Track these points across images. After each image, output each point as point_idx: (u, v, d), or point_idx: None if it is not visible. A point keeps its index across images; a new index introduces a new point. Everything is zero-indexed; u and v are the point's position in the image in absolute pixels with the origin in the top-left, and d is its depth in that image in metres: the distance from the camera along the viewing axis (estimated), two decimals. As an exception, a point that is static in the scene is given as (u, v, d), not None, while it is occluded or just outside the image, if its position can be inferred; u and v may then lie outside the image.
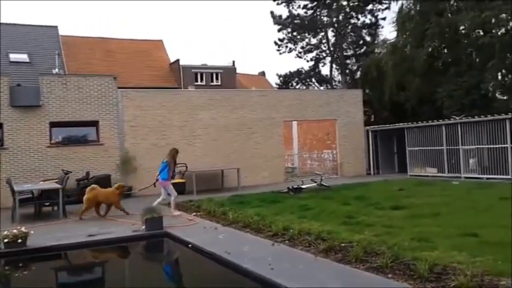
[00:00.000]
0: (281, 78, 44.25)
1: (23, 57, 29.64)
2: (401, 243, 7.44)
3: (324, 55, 41.72)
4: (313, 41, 41.22)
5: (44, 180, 15.32)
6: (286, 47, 41.64)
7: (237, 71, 44.91)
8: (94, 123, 17.11)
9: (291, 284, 5.76)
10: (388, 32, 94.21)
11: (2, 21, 30.28)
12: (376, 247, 7.13)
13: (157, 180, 12.55)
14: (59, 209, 12.56)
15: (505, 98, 26.69)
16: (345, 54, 39.71)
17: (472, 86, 23.17)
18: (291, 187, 16.06)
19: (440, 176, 19.36)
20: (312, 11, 39.44)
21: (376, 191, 15.52)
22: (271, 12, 40.43)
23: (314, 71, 42.52)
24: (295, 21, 39.98)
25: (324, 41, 40.86)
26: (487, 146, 18.03)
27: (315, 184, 16.61)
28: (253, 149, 20.00)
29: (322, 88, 41.95)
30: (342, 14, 38.49)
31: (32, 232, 8.89)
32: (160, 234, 9.84)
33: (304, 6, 39.21)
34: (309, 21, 39.56)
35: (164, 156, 12.84)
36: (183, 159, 15.84)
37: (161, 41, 42.69)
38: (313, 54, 41.78)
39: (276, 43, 41.72)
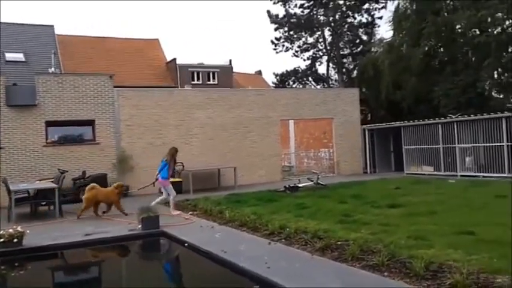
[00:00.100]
0: (278, 77, 44.27)
1: (19, 56, 29.59)
2: (397, 241, 7.45)
3: (321, 54, 41.76)
4: (310, 40, 41.27)
5: (40, 180, 15.27)
6: (283, 46, 41.65)
7: (234, 70, 44.91)
8: (90, 123, 17.06)
9: (287, 282, 5.76)
10: (384, 31, 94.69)
11: (-2, 21, 30.16)
12: (372, 245, 7.14)
13: (156, 179, 12.54)
14: (55, 209, 12.52)
15: (501, 96, 26.78)
16: (341, 53, 39.76)
17: (468, 85, 23.22)
18: (287, 186, 16.07)
19: (437, 174, 19.41)
20: (308, 10, 39.45)
21: (373, 189, 15.54)
22: (268, 12, 40.46)
23: (311, 70, 42.55)
24: (292, 20, 39.98)
25: (320, 40, 40.89)
26: (483, 145, 18.08)
27: (312, 183, 16.62)
28: (249, 147, 20.00)
29: (318, 87, 41.98)
30: (339, 13, 38.51)
31: (27, 231, 8.87)
32: (156, 234, 9.82)
33: (301, 5, 39.25)
34: (306, 20, 39.56)
35: (160, 155, 12.82)
36: (180, 158, 15.79)
37: (158, 40, 42.68)
38: (310, 53, 41.83)
39: (272, 42, 41.74)
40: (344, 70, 39.75)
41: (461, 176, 18.42)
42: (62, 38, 33.66)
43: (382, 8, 37.51)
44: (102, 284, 7.97)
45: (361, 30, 39.55)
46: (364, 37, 39.64)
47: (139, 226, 9.88)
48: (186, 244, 8.64)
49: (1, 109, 15.82)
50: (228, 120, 19.69)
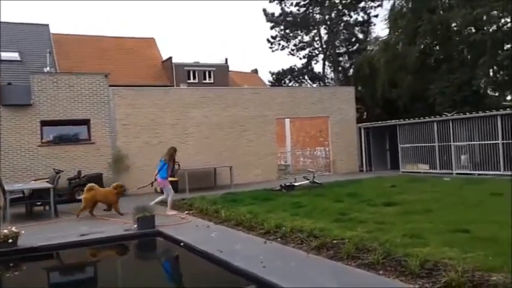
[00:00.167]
0: (274, 76, 44.27)
1: (14, 55, 29.39)
2: (393, 239, 7.44)
3: (317, 52, 41.82)
4: (306, 38, 41.33)
5: (35, 180, 15.23)
6: (279, 44, 41.69)
7: (230, 69, 44.85)
8: (85, 122, 17.02)
9: (283, 281, 5.75)
10: (380, 29, 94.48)
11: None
12: (368, 244, 7.13)
13: (155, 179, 12.53)
14: (50, 209, 12.48)
15: (496, 94, 26.91)
16: (337, 51, 39.80)
17: (464, 83, 23.28)
18: (283, 184, 16.06)
19: (432, 172, 19.45)
20: (304, 9, 39.49)
21: (369, 187, 15.55)
22: (264, 10, 40.50)
23: (307, 68, 42.59)
24: (288, 19, 40.00)
25: (316, 38, 40.94)
26: (478, 142, 18.12)
27: (308, 181, 16.62)
28: (245, 146, 19.99)
29: (315, 85, 41.99)
30: (335, 12, 38.54)
31: (22, 232, 8.82)
32: (152, 233, 9.79)
33: (297, 4, 39.25)
34: (302, 19, 39.58)
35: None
36: (176, 158, 15.76)
37: (153, 39, 42.61)
38: (306, 51, 41.90)
39: (268, 41, 41.75)
40: (340, 68, 39.78)
41: (457, 174, 18.46)
42: (57, 37, 33.49)
43: (378, 6, 37.74)
44: (97, 284, 7.95)
45: (357, 28, 39.63)
46: (360, 35, 39.72)
47: (135, 226, 9.85)
48: (181, 244, 8.62)
49: (-4, 109, 15.77)
50: (224, 119, 19.67)
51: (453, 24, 25.23)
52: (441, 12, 25.80)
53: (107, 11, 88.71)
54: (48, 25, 33.34)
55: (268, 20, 40.72)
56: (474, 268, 5.68)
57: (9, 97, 16.04)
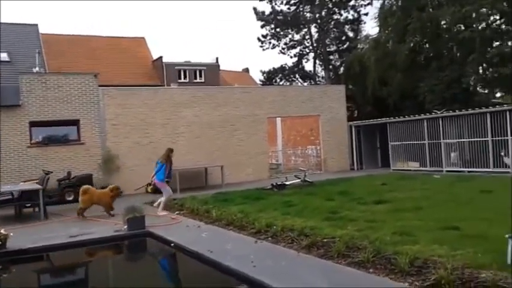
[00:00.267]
0: (265, 75, 44.20)
1: (3, 56, 29.16)
2: (383, 237, 7.45)
3: (307, 51, 41.76)
4: (297, 37, 41.23)
5: (25, 181, 15.12)
6: (270, 43, 41.58)
7: (221, 68, 44.78)
8: (75, 122, 16.89)
9: (273, 281, 5.74)
10: (370, 27, 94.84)
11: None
12: (358, 242, 7.14)
13: (152, 181, 12.54)
14: (40, 210, 12.38)
15: (485, 91, 27.02)
16: (328, 50, 39.80)
17: (453, 80, 23.37)
18: (274, 183, 16.06)
19: (423, 170, 19.53)
20: (294, 7, 39.41)
21: (360, 185, 15.58)
22: (254, 9, 40.33)
23: (297, 67, 42.54)
24: (278, 18, 39.91)
25: (307, 37, 40.88)
26: (468, 140, 18.21)
27: (299, 180, 16.64)
28: (236, 146, 19.96)
29: (305, 84, 42.00)
30: (325, 10, 38.52)
31: (11, 234, 8.76)
32: (142, 234, 9.76)
33: (287, 2, 39.17)
34: (292, 17, 39.52)
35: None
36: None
37: (144, 38, 42.43)
38: (297, 50, 41.81)
39: (259, 39, 41.65)
40: (331, 67, 39.80)
41: (447, 171, 18.55)
42: (46, 37, 33.26)
43: (368, 4, 37.60)
44: (87, 286, 7.91)
45: (347, 26, 39.61)
46: (351, 34, 39.73)
47: (125, 227, 9.80)
48: (172, 244, 8.59)
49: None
50: (214, 118, 19.63)
51: (442, 22, 25.31)
52: (430, 10, 25.88)
53: (96, 10, 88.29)
54: (37, 25, 33.13)
55: (259, 19, 40.62)
56: (463, 265, 5.70)
57: (-2, 98, 15.89)
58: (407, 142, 20.66)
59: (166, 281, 7.89)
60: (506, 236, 5.90)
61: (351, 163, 23.11)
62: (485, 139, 17.39)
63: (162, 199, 12.53)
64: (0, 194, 12.39)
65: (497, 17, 23.91)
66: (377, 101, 27.84)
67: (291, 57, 42.26)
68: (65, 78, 16.93)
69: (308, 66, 42.85)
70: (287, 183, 16.19)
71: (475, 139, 17.81)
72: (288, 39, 41.34)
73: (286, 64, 43.01)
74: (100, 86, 17.63)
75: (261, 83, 44.76)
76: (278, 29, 40.80)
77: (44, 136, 16.58)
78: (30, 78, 16.74)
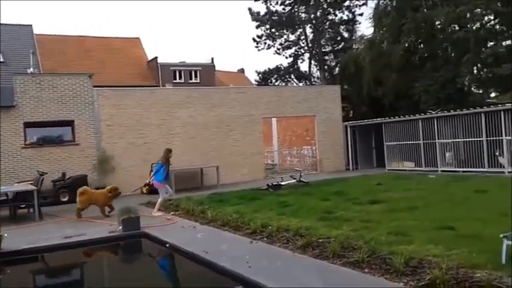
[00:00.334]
0: (260, 75, 44.22)
1: (-3, 56, 29.05)
2: (378, 237, 7.47)
3: (303, 51, 41.84)
4: (292, 37, 41.32)
5: (19, 182, 15.05)
6: (265, 43, 41.65)
7: (216, 69, 44.70)
8: (69, 123, 16.80)
9: (269, 281, 5.74)
10: (365, 27, 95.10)
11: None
12: (353, 242, 7.15)
13: (150, 182, 12.52)
14: (35, 211, 12.33)
15: (480, 91, 27.14)
16: (323, 50, 39.86)
17: (448, 81, 23.45)
18: (270, 184, 16.06)
19: (418, 169, 19.57)
20: (290, 8, 39.47)
21: (355, 186, 15.61)
22: (250, 9, 40.38)
23: (293, 67, 42.61)
24: (273, 18, 39.95)
25: (302, 37, 40.96)
26: (462, 140, 18.27)
27: (294, 180, 16.64)
28: (232, 146, 19.95)
29: (301, 84, 42.03)
30: (320, 10, 38.59)
31: (6, 235, 8.73)
32: (137, 235, 9.73)
33: (282, 3, 39.22)
34: (287, 18, 39.57)
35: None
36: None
37: (139, 38, 42.34)
38: (292, 50, 41.90)
39: (254, 40, 41.67)
40: (326, 67, 39.86)
41: (442, 171, 18.60)
42: (40, 37, 33.16)
43: (363, 5, 37.72)
44: (83, 287, 7.89)
45: (342, 27, 39.71)
46: (345, 34, 39.82)
47: (120, 228, 9.77)
48: (167, 245, 8.58)
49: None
50: (209, 118, 19.60)
51: (437, 22, 25.40)
52: (425, 10, 25.98)
53: (91, 11, 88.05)
54: (31, 25, 33.02)
55: (254, 19, 40.65)
56: (458, 265, 5.72)
57: (-8, 99, 15.81)
58: (402, 142, 20.71)
59: (161, 282, 7.85)
60: (501, 235, 5.92)
61: (347, 163, 23.14)
62: (480, 139, 17.45)
63: (166, 196, 12.55)
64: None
65: (492, 17, 24.03)
66: (372, 101, 27.90)
67: (286, 57, 42.37)
68: (59, 79, 16.85)
69: (303, 66, 43.07)
70: (282, 183, 16.19)
71: (470, 139, 17.87)
72: (283, 39, 41.43)
73: (281, 64, 43.13)
74: (95, 86, 17.57)
75: (256, 83, 44.76)
76: (273, 30, 40.87)
77: (39, 137, 16.50)
78: (24, 78, 16.66)
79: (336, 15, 39.05)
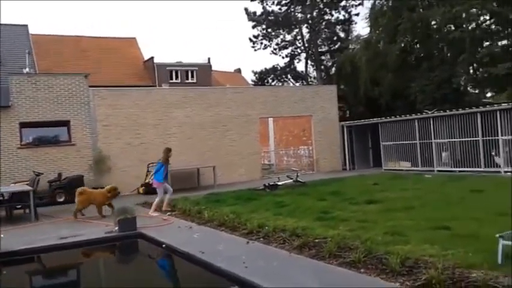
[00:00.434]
0: (257, 75, 44.18)
1: (-7, 56, 28.93)
2: (374, 237, 7.49)
3: (299, 51, 41.80)
4: (288, 37, 41.27)
5: (15, 183, 15.00)
6: (261, 43, 41.58)
7: (213, 69, 44.72)
8: (65, 123, 16.76)
9: (265, 281, 5.74)
10: (361, 27, 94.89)
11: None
12: (349, 242, 7.16)
13: (149, 182, 12.50)
14: (31, 212, 12.30)
15: (476, 91, 27.19)
16: (319, 50, 39.85)
17: (444, 80, 23.49)
18: (267, 184, 16.06)
19: (414, 169, 19.61)
20: (286, 8, 39.44)
21: (351, 186, 15.63)
22: (246, 9, 40.31)
23: (289, 67, 42.58)
24: (270, 18, 39.91)
25: (298, 37, 40.93)
26: (459, 140, 18.31)
27: (291, 180, 16.64)
28: (228, 146, 19.94)
29: (297, 84, 42.05)
30: (316, 10, 38.58)
31: (2, 236, 8.70)
32: (134, 235, 9.71)
33: (278, 3, 39.18)
34: (283, 18, 39.54)
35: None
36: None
37: (135, 38, 42.29)
38: (288, 50, 41.84)
39: (251, 40, 41.64)
40: (322, 67, 39.85)
41: (438, 171, 18.64)
42: (36, 37, 33.03)
43: (359, 5, 37.70)
44: (78, 287, 7.86)
45: (338, 27, 39.69)
46: (342, 34, 39.80)
47: (116, 228, 9.75)
48: (163, 245, 8.56)
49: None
50: (206, 118, 19.59)
51: (433, 22, 25.45)
52: (421, 10, 26.00)
53: (88, 11, 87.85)
54: (27, 25, 32.89)
55: (250, 19, 40.59)
56: (454, 265, 5.74)
57: (-13, 99, 15.76)
58: (398, 142, 20.75)
59: (158, 283, 7.83)
60: (497, 235, 5.93)
61: (343, 163, 23.16)
62: (476, 139, 17.49)
63: (167, 198, 12.54)
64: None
65: (487, 17, 24.08)
66: (369, 101, 27.91)
67: (283, 57, 42.31)
68: (55, 79, 16.81)
69: (300, 66, 43.07)
70: (279, 183, 16.19)
71: (466, 139, 17.91)
72: (279, 39, 41.39)
73: (278, 64, 43.08)
74: (90, 86, 17.53)
75: (253, 83, 44.74)
76: (270, 30, 40.81)
77: (35, 137, 16.45)
78: (20, 79, 16.62)
79: (332, 15, 39.05)
